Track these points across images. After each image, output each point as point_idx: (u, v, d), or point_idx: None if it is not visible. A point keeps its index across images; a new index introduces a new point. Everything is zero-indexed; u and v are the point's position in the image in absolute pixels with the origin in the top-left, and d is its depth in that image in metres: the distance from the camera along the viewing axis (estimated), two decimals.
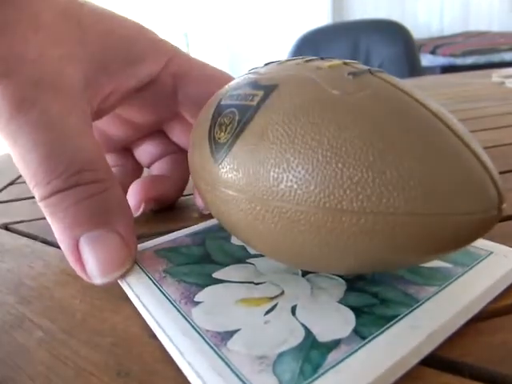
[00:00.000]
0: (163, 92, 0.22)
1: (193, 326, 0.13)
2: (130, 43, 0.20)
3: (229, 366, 0.11)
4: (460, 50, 1.94)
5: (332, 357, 0.11)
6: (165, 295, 0.14)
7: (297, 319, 0.13)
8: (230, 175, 0.13)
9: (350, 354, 0.11)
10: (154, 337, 0.13)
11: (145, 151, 0.25)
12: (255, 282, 0.15)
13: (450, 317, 0.12)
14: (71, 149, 0.15)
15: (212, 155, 0.14)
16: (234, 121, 0.13)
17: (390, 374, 0.11)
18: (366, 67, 0.13)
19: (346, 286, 0.14)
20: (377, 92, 0.12)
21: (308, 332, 0.12)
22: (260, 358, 0.11)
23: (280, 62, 0.15)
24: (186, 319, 0.13)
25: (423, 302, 0.13)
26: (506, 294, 0.14)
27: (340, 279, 0.15)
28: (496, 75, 0.77)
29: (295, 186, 0.11)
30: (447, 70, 1.81)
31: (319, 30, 1.50)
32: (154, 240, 0.18)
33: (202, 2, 2.24)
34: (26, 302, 0.16)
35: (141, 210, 0.22)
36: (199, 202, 0.23)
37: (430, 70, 1.90)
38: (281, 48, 1.96)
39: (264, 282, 0.15)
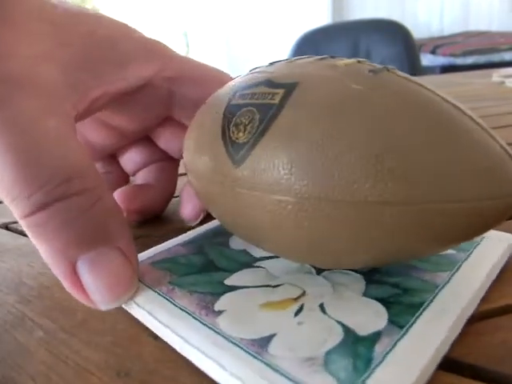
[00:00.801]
0: (156, 96, 0.20)
1: (224, 337, 0.12)
2: (113, 43, 0.18)
3: (279, 372, 0.10)
4: (460, 50, 1.94)
5: (379, 349, 0.11)
6: (181, 309, 0.13)
7: (329, 317, 0.12)
8: (253, 175, 0.12)
9: (394, 344, 0.11)
10: (154, 337, 0.13)
11: (129, 159, 0.24)
12: (272, 285, 0.14)
13: (471, 297, 0.13)
14: (53, 155, 0.13)
15: (229, 156, 0.13)
16: (254, 120, 0.13)
17: (436, 356, 0.11)
18: (381, 65, 0.13)
19: (365, 279, 0.14)
20: (400, 88, 0.12)
21: (346, 328, 0.12)
22: (308, 359, 0.11)
23: (289, 61, 0.15)
24: (214, 331, 0.12)
25: (443, 287, 0.13)
26: (505, 293, 0.14)
27: (355, 273, 0.14)
28: (496, 75, 0.77)
29: (334, 183, 0.11)
30: (447, 69, 1.81)
31: (319, 30, 1.50)
32: (147, 252, 0.17)
33: (201, 2, 2.24)
34: (26, 301, 0.16)
35: None
36: (185, 212, 0.21)
37: (430, 70, 1.90)
38: (281, 48, 1.96)
39: (282, 284, 0.14)
